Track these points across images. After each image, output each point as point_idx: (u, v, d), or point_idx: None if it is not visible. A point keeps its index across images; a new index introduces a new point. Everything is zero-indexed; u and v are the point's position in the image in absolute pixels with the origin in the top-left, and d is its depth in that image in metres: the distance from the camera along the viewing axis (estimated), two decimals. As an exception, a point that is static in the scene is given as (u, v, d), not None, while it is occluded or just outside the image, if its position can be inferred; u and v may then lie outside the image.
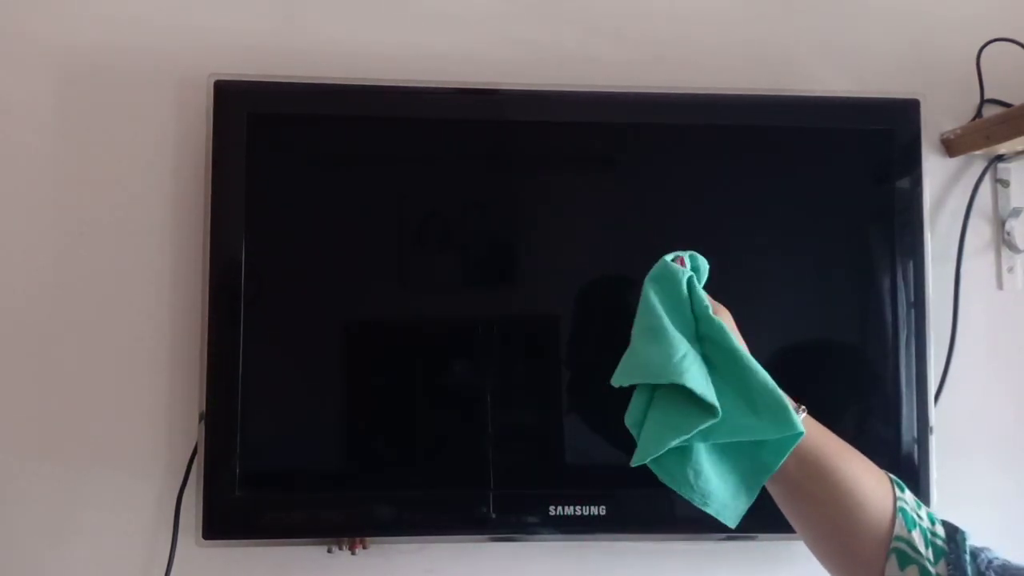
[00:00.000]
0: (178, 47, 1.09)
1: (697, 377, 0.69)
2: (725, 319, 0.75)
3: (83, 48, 1.08)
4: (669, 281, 0.75)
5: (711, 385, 0.70)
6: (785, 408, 0.69)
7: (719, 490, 0.72)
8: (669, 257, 0.77)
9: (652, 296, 0.74)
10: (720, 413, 0.69)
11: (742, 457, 0.73)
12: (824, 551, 0.73)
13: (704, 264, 0.78)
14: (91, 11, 1.09)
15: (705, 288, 0.78)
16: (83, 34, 1.09)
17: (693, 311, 0.74)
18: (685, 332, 0.73)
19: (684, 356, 0.70)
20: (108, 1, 1.09)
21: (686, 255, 0.78)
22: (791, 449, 0.69)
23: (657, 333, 0.72)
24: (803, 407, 0.73)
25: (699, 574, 1.06)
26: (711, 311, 0.73)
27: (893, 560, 0.67)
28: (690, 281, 0.75)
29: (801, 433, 0.69)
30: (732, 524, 0.72)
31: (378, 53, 1.11)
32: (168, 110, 1.08)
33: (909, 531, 0.68)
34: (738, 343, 0.72)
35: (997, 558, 0.68)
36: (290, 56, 1.09)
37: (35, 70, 1.08)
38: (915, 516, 0.69)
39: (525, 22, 1.14)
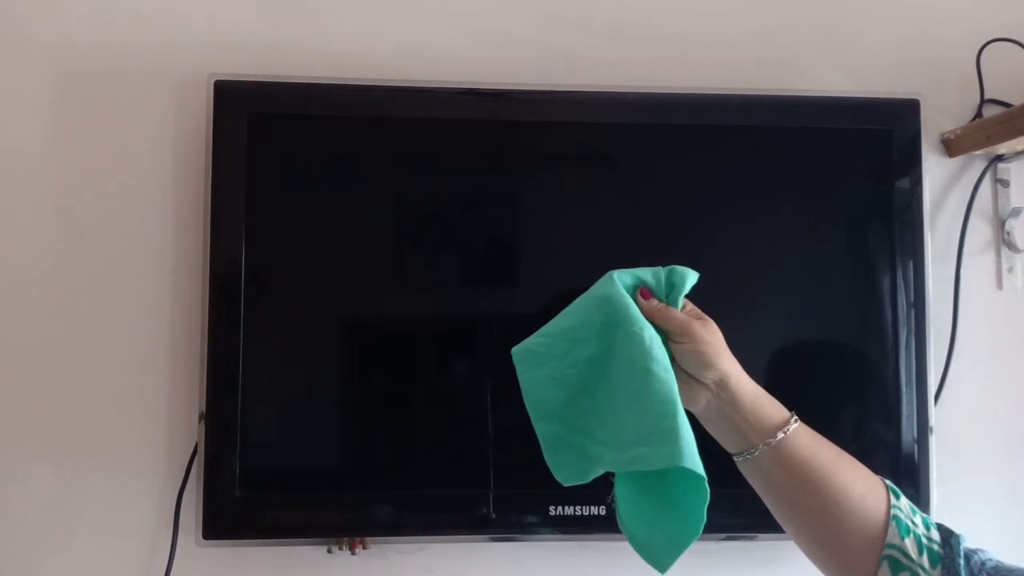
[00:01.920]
0: (178, 47, 1.09)
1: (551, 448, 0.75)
2: (708, 331, 0.73)
3: (83, 48, 1.08)
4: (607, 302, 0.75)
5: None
6: (673, 440, 0.68)
7: (637, 529, 0.74)
8: (627, 279, 0.75)
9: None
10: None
11: (659, 503, 0.73)
12: (817, 558, 0.73)
13: (683, 279, 0.75)
14: (91, 11, 1.09)
15: (695, 293, 0.76)
16: (83, 34, 1.09)
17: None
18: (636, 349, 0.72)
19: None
20: (108, 1, 1.09)
21: (651, 276, 0.76)
22: (704, 508, 0.69)
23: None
24: (795, 415, 0.73)
25: (699, 574, 1.07)
26: (639, 330, 0.71)
27: (886, 567, 0.68)
28: (611, 299, 0.73)
29: (689, 471, 0.67)
30: (659, 570, 0.72)
31: (378, 53, 1.11)
32: (168, 110, 1.08)
33: (902, 538, 0.68)
34: (651, 363, 0.70)
35: (991, 560, 0.69)
36: (290, 56, 1.09)
37: (35, 70, 1.08)
38: (909, 523, 0.70)
39: (525, 22, 1.14)
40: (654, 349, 0.71)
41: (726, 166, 1.08)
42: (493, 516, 1.01)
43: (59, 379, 1.05)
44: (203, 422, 1.00)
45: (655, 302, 0.74)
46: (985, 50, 1.15)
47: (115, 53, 1.09)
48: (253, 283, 1.00)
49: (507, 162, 1.07)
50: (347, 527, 1.02)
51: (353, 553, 1.02)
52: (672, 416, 0.68)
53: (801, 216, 1.08)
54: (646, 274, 0.76)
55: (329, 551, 1.03)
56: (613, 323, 0.73)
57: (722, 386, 0.72)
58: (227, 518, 1.00)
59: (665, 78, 1.13)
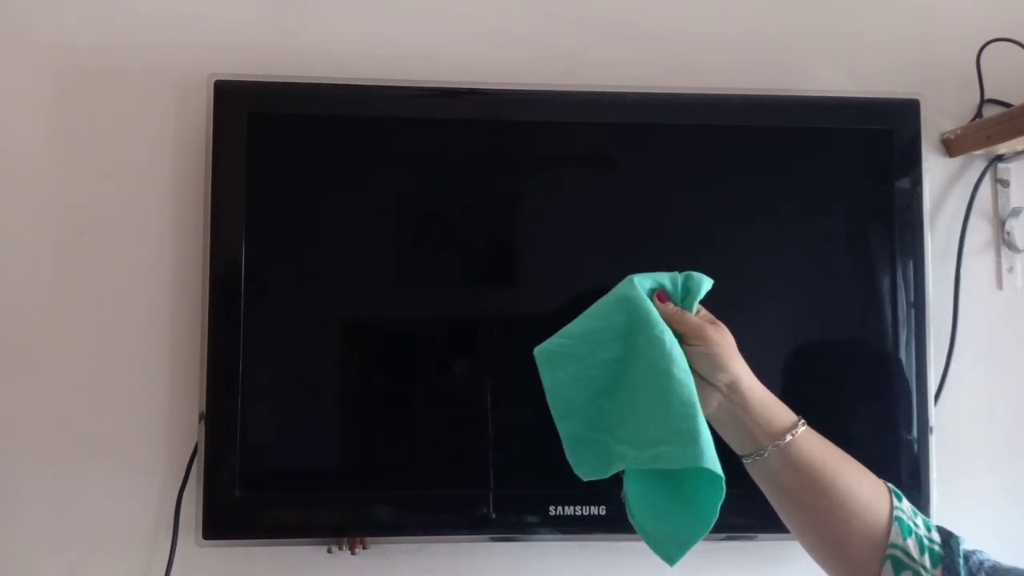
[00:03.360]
0: (178, 47, 1.09)
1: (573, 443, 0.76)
2: (721, 335, 0.74)
3: (83, 48, 1.08)
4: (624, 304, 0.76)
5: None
6: (694, 440, 0.69)
7: (647, 522, 0.75)
8: (647, 283, 0.76)
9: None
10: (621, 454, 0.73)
11: (671, 497, 0.75)
12: (821, 557, 0.74)
13: (699, 285, 0.77)
14: (91, 11, 1.09)
15: (705, 298, 0.78)
16: (83, 34, 1.09)
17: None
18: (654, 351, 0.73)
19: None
20: (108, 1, 1.09)
21: (668, 280, 0.77)
22: (718, 506, 0.70)
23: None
24: (802, 420, 0.74)
25: (699, 574, 1.06)
26: (659, 333, 0.73)
27: (888, 566, 0.69)
28: (632, 302, 0.74)
29: (706, 469, 0.69)
30: (668, 563, 0.74)
31: (378, 53, 1.11)
32: (168, 110, 1.08)
33: (904, 539, 0.70)
34: (672, 366, 0.71)
35: (988, 560, 0.70)
36: (290, 56, 1.09)
37: (35, 70, 1.08)
38: (911, 524, 0.71)
39: (525, 22, 1.14)
40: (674, 352, 0.72)
41: (726, 166, 1.08)
42: (493, 516, 1.01)
43: (59, 379, 1.05)
44: (203, 422, 1.00)
45: (671, 305, 0.76)
46: (985, 50, 1.15)
47: (115, 53, 1.09)
48: (253, 283, 1.00)
49: (507, 162, 1.07)
50: (347, 527, 1.02)
51: (353, 553, 1.02)
52: (693, 417, 0.70)
53: (801, 216, 1.08)
54: (664, 278, 0.77)
55: (329, 551, 1.03)
56: (634, 326, 0.74)
57: (733, 389, 0.73)
58: (227, 518, 1.00)
59: (665, 78, 1.13)
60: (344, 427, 1.04)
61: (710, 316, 0.77)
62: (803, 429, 0.73)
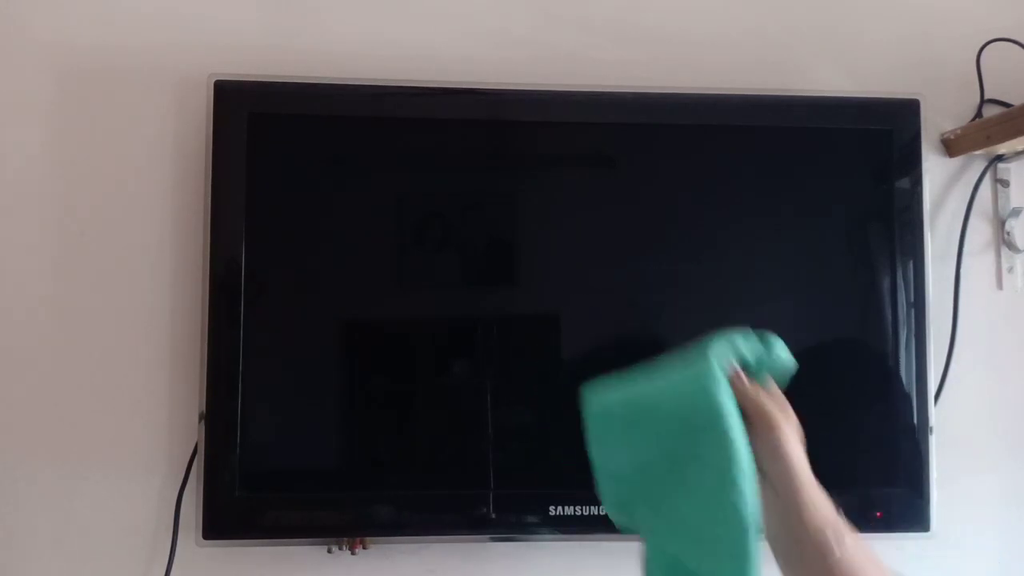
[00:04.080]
0: (178, 47, 1.09)
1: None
2: (787, 421, 0.68)
3: (83, 48, 1.08)
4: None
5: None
6: (743, 564, 0.63)
7: None
8: (726, 351, 0.69)
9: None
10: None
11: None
12: None
13: (779, 364, 0.71)
14: (91, 11, 1.09)
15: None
16: (83, 34, 1.09)
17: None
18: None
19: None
20: (108, 1, 1.09)
21: (749, 354, 0.70)
22: None
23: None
24: (843, 519, 0.66)
25: (699, 574, 1.07)
26: (735, 436, 0.65)
27: None
28: (703, 381, 0.67)
29: None
30: None
31: (378, 53, 1.11)
32: (168, 110, 1.08)
33: None
34: (739, 475, 0.64)
35: None
36: (290, 56, 1.09)
37: (35, 70, 1.08)
38: None
39: (525, 22, 1.14)
40: (741, 457, 0.65)
41: (726, 166, 1.08)
42: (493, 516, 1.01)
43: (59, 379, 1.05)
44: (203, 422, 1.00)
45: (747, 383, 0.70)
46: (985, 50, 1.15)
47: (115, 53, 1.09)
48: (253, 283, 1.00)
49: (507, 162, 1.07)
50: (347, 527, 1.02)
51: (353, 553, 1.02)
52: (745, 536, 0.64)
53: (801, 216, 1.08)
54: (744, 349, 0.71)
55: (329, 551, 1.03)
56: (703, 414, 0.67)
57: (787, 483, 0.66)
58: (227, 518, 1.00)
59: (665, 78, 1.13)
60: (344, 427, 1.04)
61: (781, 395, 0.72)
62: (849, 538, 0.65)
